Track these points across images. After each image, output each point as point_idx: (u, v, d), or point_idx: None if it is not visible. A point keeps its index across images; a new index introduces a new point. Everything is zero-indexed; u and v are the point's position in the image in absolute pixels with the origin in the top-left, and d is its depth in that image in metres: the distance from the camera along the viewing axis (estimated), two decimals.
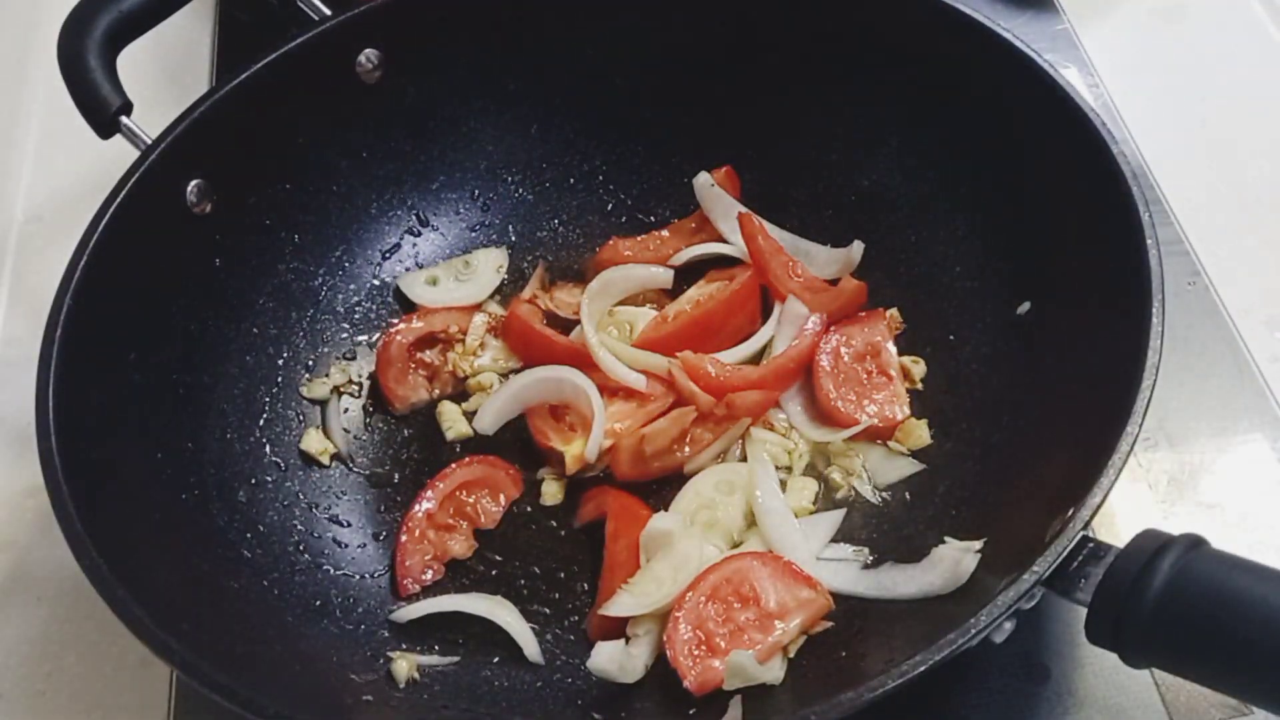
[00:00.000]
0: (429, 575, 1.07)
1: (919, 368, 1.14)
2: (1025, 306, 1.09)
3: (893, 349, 1.15)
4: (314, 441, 1.14)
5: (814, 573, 1.01)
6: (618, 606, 0.99)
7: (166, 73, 1.51)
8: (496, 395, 1.16)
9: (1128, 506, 1.09)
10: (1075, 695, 0.99)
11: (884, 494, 1.09)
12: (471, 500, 1.11)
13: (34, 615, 1.11)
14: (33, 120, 1.47)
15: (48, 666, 1.08)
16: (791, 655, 0.97)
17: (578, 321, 1.18)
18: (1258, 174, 1.33)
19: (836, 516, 1.07)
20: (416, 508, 1.09)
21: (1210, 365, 1.18)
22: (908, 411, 1.12)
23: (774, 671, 0.95)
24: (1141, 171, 1.31)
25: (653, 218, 1.29)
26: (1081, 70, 1.43)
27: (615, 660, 0.96)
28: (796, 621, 0.97)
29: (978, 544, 0.96)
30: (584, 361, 1.14)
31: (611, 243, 1.26)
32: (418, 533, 1.08)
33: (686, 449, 1.10)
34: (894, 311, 1.17)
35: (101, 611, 0.83)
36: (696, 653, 0.96)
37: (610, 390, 1.13)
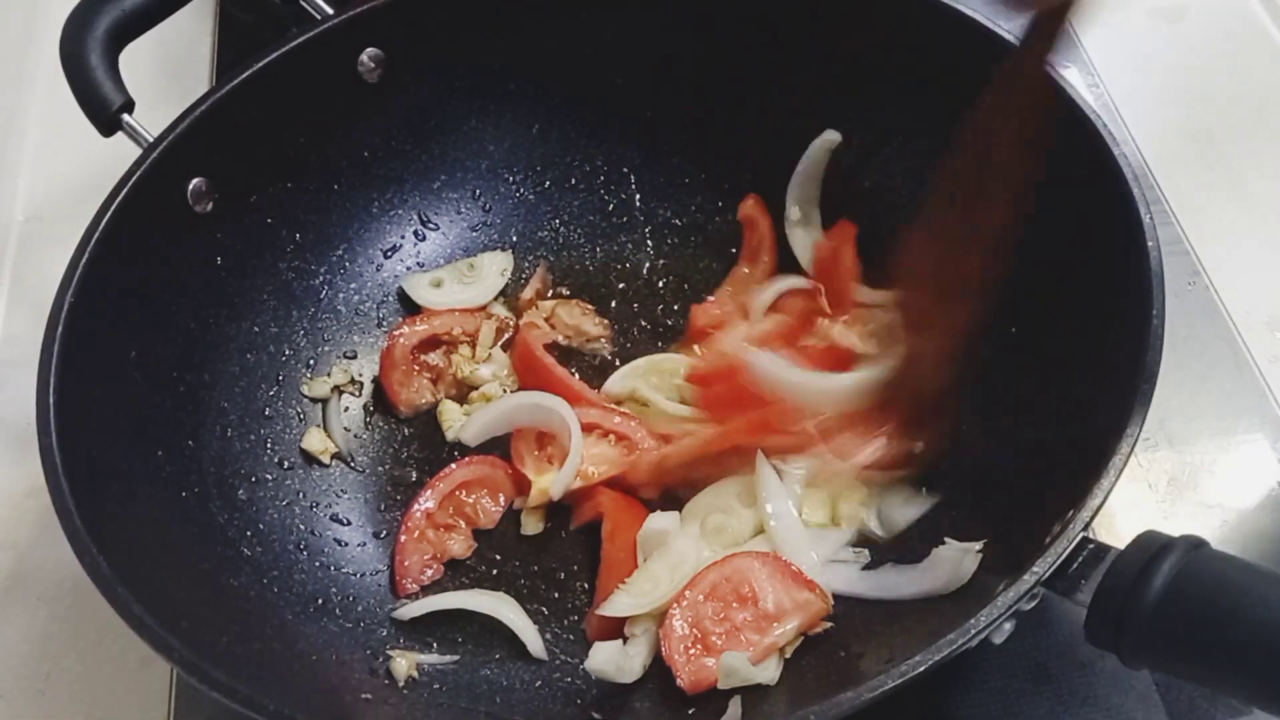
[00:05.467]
0: (428, 574, 1.07)
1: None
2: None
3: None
4: (315, 440, 1.14)
5: (817, 576, 1.01)
6: (615, 606, 0.99)
7: (167, 72, 1.51)
8: (486, 410, 1.15)
9: (1128, 507, 1.09)
10: (1075, 695, 0.99)
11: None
12: (471, 500, 1.11)
13: (34, 615, 1.11)
14: (32, 119, 1.47)
15: (48, 666, 1.08)
16: (788, 656, 0.98)
17: (576, 347, 1.21)
18: (1258, 174, 1.33)
19: (847, 534, 1.06)
20: (416, 507, 1.09)
21: (1210, 365, 1.18)
22: None
23: (768, 672, 0.95)
24: (1141, 171, 1.31)
25: (653, 219, 1.29)
26: (1081, 70, 1.43)
27: (613, 661, 0.96)
28: (794, 624, 0.98)
29: (978, 545, 0.96)
30: (575, 398, 1.14)
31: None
32: (417, 533, 1.08)
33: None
34: None
35: (101, 611, 0.82)
36: (691, 651, 0.96)
37: (599, 430, 1.12)
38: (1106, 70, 1.43)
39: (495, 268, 1.26)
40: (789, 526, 1.04)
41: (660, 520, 1.04)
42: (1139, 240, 0.94)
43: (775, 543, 1.03)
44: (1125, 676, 0.99)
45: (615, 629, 1.00)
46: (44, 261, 1.29)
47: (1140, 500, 1.10)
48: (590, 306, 1.24)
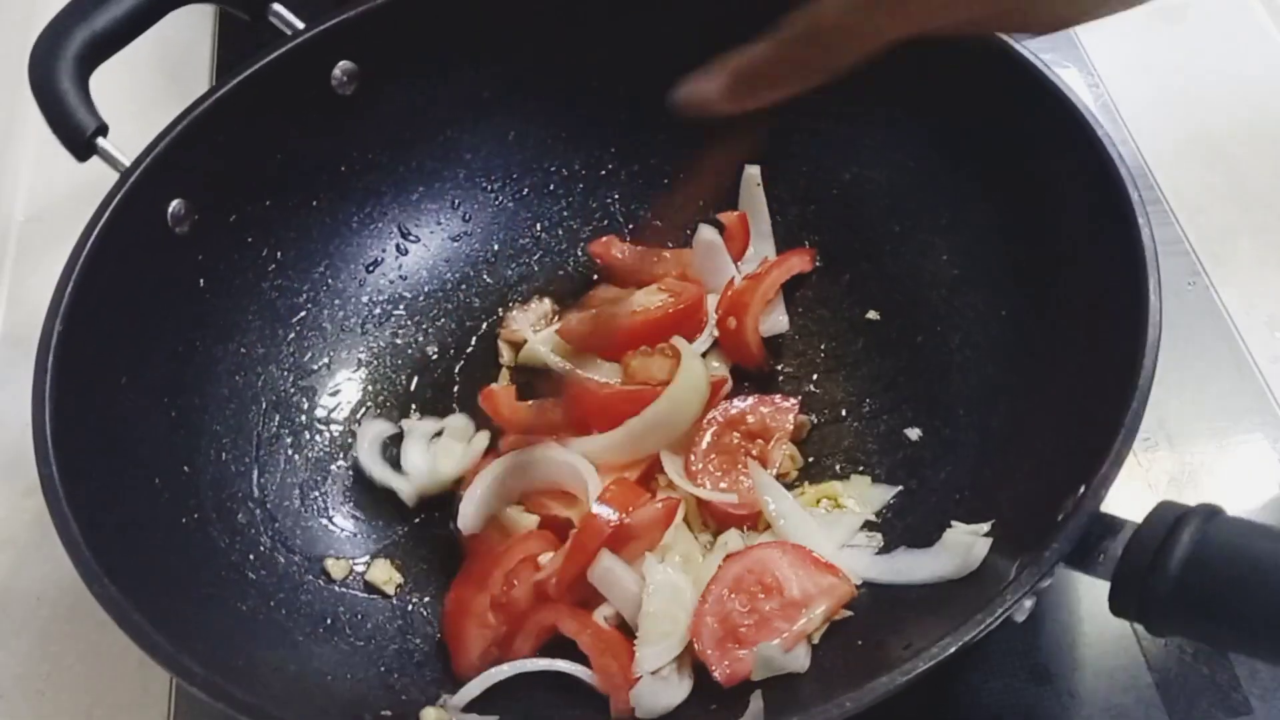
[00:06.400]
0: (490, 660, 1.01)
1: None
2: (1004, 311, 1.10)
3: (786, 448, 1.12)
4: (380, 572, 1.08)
5: (836, 562, 1.01)
6: (651, 661, 0.96)
7: (166, 73, 1.50)
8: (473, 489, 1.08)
9: (1127, 506, 1.09)
10: (1075, 695, 0.99)
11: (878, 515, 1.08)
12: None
13: (34, 615, 1.10)
14: (32, 120, 1.40)
15: (48, 666, 1.08)
16: (815, 641, 0.98)
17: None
18: (1258, 174, 1.33)
19: (859, 518, 1.06)
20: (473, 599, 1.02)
21: (1210, 365, 1.18)
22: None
23: (800, 659, 0.95)
24: (1141, 171, 1.31)
25: (634, 221, 1.29)
26: (1081, 70, 1.43)
27: (664, 698, 0.95)
28: (821, 608, 0.97)
29: (985, 526, 0.97)
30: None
31: (606, 240, 1.25)
32: (474, 629, 1.01)
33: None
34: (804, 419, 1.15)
35: (101, 611, 0.82)
36: (726, 645, 0.96)
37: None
38: (1106, 70, 1.43)
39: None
40: (797, 518, 1.04)
41: (604, 561, 1.01)
42: (1128, 214, 0.94)
43: (786, 537, 1.03)
44: (1125, 677, 0.99)
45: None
46: (44, 261, 1.27)
47: (1140, 500, 1.09)
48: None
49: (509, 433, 1.12)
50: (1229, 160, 1.35)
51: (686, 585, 1.00)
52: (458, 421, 1.16)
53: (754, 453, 1.10)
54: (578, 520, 1.04)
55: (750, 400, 1.13)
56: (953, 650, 0.77)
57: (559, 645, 1.00)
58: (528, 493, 1.09)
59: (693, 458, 1.09)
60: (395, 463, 1.14)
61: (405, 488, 1.12)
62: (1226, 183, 1.33)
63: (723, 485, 1.08)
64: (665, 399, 1.09)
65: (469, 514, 1.06)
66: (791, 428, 1.12)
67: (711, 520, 1.07)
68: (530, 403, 1.15)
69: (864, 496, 1.08)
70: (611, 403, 1.11)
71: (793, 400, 1.14)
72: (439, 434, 1.16)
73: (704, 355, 1.17)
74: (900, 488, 1.08)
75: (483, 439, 1.13)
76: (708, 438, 1.10)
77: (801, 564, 1.00)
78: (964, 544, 0.95)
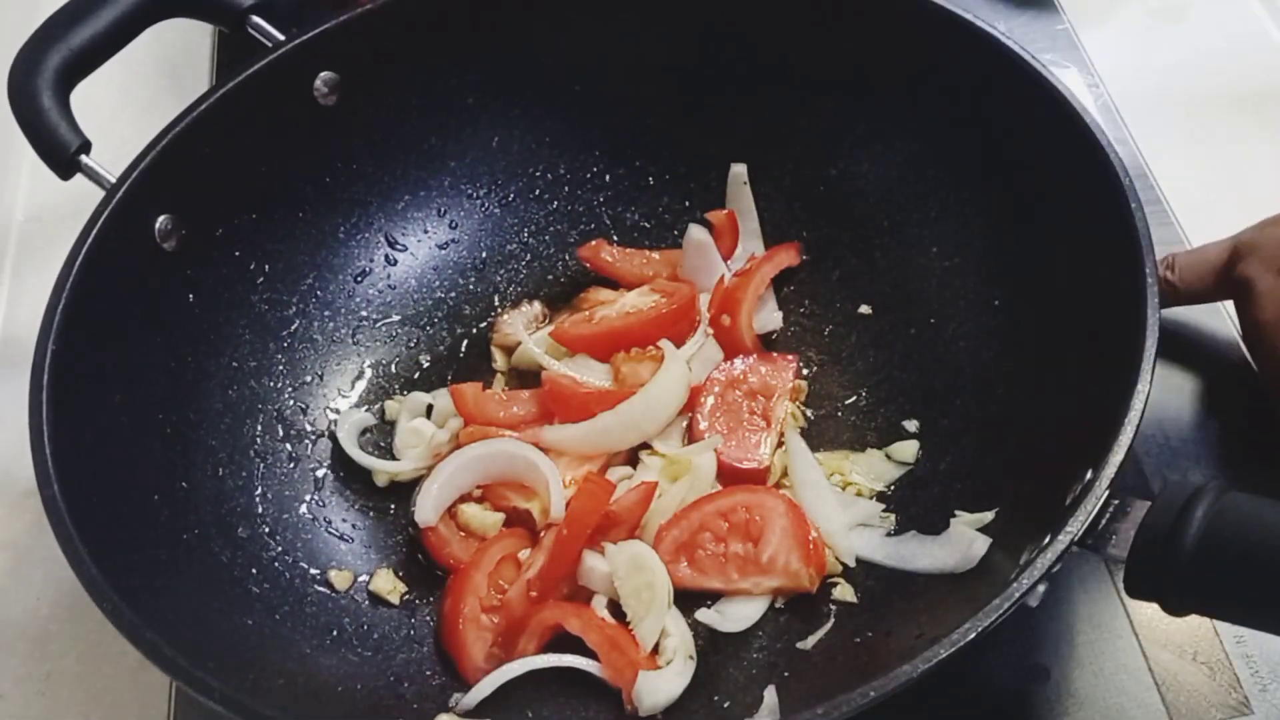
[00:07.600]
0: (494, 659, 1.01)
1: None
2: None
3: (787, 405, 1.14)
4: (384, 582, 1.07)
5: (841, 539, 1.02)
6: (652, 634, 0.98)
7: (167, 72, 1.50)
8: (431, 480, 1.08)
9: None
10: (1075, 695, 0.99)
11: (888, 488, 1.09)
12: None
13: (34, 615, 1.10)
14: None
15: (48, 666, 1.07)
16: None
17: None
18: (1258, 174, 1.33)
19: (875, 507, 1.06)
20: (463, 602, 1.02)
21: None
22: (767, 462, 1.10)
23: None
24: (1141, 172, 1.32)
25: (620, 223, 1.29)
26: (1081, 70, 1.43)
27: (663, 690, 0.95)
28: (772, 584, 1.00)
29: (990, 515, 0.98)
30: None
31: (595, 244, 1.25)
32: (473, 626, 1.02)
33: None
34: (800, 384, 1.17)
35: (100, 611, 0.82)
36: (679, 553, 1.01)
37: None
38: (1106, 70, 1.43)
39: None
40: (818, 488, 1.06)
41: (590, 560, 1.02)
42: (1117, 192, 0.95)
43: (805, 508, 1.04)
44: (1125, 677, 1.00)
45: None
46: (44, 261, 1.25)
47: None
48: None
49: (470, 425, 1.12)
50: (1229, 160, 1.35)
51: (644, 547, 1.02)
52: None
53: (757, 411, 1.12)
54: (537, 513, 1.06)
55: (750, 360, 1.15)
56: (973, 636, 0.77)
57: (565, 641, 1.00)
58: (486, 485, 1.10)
59: (700, 418, 1.11)
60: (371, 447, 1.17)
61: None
62: (1227, 183, 1.33)
63: (731, 444, 1.10)
64: (639, 397, 1.09)
65: (426, 506, 1.06)
66: (791, 385, 1.14)
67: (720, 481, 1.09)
68: (497, 393, 1.16)
69: (873, 471, 1.09)
70: (587, 402, 1.11)
71: (791, 356, 1.16)
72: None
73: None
74: (909, 466, 1.09)
75: (442, 434, 1.13)
76: (712, 398, 1.12)
77: (791, 536, 1.01)
78: (965, 540, 0.96)
